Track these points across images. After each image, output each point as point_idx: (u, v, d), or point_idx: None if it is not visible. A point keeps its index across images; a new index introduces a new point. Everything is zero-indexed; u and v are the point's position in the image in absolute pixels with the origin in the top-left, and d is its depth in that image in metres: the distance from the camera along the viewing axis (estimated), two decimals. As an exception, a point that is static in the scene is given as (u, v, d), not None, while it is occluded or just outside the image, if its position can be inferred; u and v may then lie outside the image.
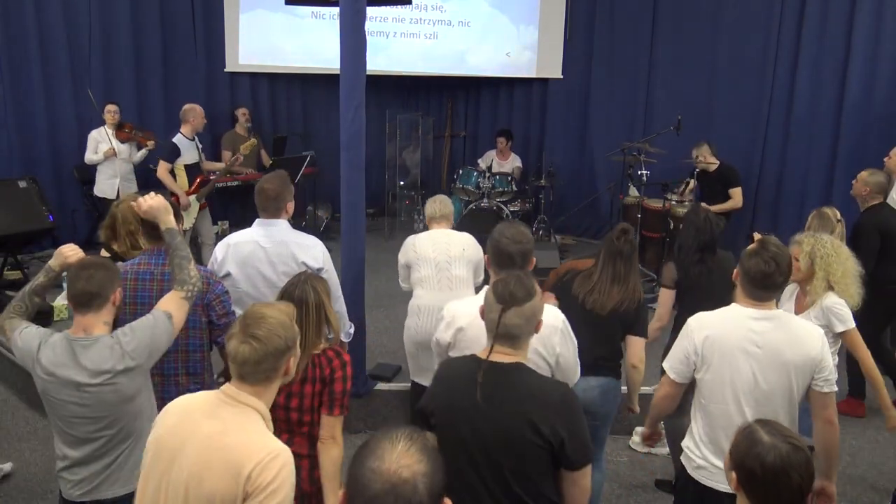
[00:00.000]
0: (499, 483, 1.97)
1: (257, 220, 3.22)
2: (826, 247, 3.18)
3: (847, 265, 3.21)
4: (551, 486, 2.03)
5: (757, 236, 3.20)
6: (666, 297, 3.72)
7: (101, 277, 2.28)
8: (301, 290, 2.41)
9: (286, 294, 2.43)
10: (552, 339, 2.41)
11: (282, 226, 3.21)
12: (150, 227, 2.70)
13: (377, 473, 1.29)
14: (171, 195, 5.95)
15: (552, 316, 2.42)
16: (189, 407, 1.85)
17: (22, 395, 4.57)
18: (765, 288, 2.42)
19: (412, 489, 1.28)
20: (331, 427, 2.43)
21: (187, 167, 6.02)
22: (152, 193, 2.67)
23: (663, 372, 2.68)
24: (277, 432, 2.34)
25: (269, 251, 3.16)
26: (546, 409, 1.96)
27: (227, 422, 1.77)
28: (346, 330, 3.47)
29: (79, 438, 2.30)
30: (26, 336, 2.33)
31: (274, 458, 1.73)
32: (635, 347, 3.28)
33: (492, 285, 2.11)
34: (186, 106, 6.22)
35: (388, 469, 1.30)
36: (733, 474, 1.75)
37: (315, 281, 2.47)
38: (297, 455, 2.37)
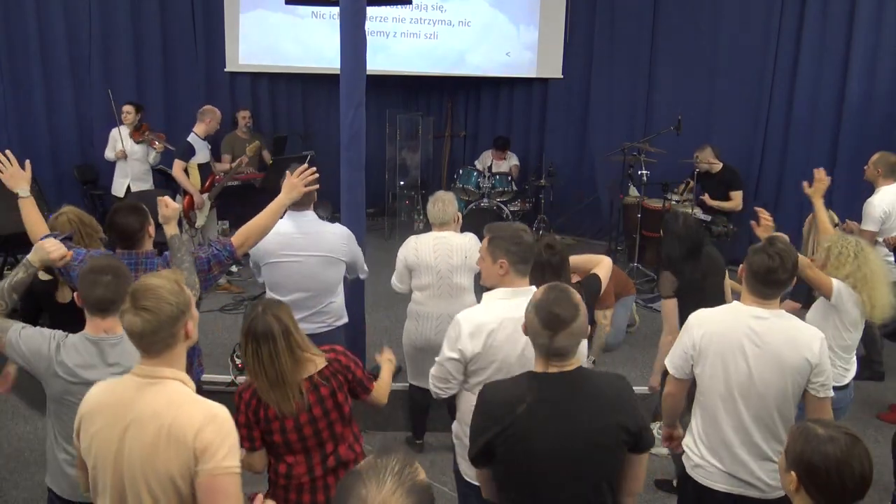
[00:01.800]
0: (584, 492, 1.97)
1: (287, 213, 3.35)
2: (848, 247, 3.16)
3: (874, 267, 3.15)
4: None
5: (761, 212, 3.23)
6: (670, 307, 3.66)
7: (119, 282, 2.24)
8: (263, 323, 2.25)
9: (250, 331, 2.26)
10: None
11: (310, 216, 3.42)
12: (119, 236, 2.76)
13: None
14: (184, 194, 6.04)
15: None
16: (111, 400, 1.84)
17: (22, 395, 4.57)
18: (768, 284, 2.42)
19: None
20: (375, 397, 2.56)
21: (200, 167, 6.13)
22: (170, 203, 2.80)
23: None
24: (327, 450, 2.38)
25: (303, 240, 3.37)
26: (624, 406, 1.99)
27: (155, 402, 1.79)
28: (364, 270, 3.77)
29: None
30: (30, 338, 2.28)
31: (213, 419, 1.78)
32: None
33: (534, 307, 1.99)
34: (206, 107, 6.40)
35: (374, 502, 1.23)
36: (792, 475, 1.71)
37: (275, 309, 2.31)
38: (346, 463, 2.41)
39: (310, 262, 3.40)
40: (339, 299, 3.59)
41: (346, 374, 2.41)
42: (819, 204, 3.58)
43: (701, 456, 2.51)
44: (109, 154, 6.60)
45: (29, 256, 2.50)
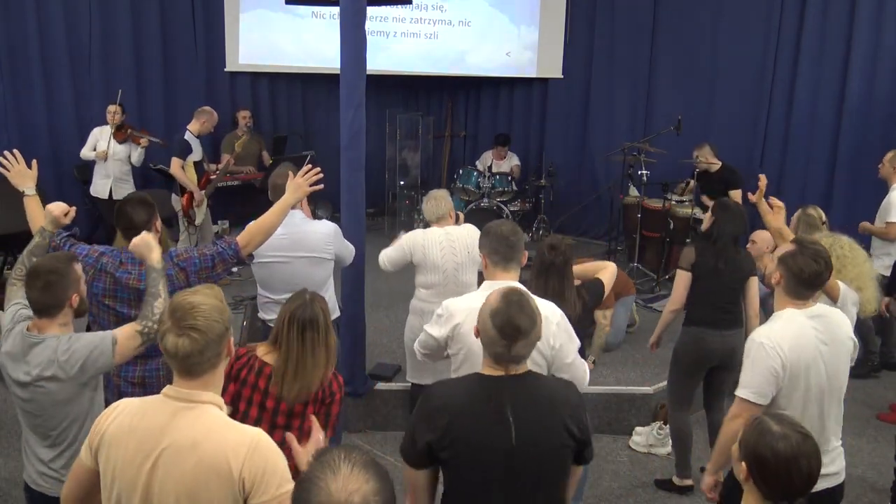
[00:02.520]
0: (529, 495, 1.95)
1: None
2: (844, 247, 3.22)
3: (863, 268, 3.22)
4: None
5: (773, 200, 3.24)
6: (682, 279, 3.68)
7: (56, 287, 2.26)
8: (312, 311, 2.36)
9: (295, 315, 2.35)
10: (548, 328, 2.38)
11: (297, 216, 3.39)
12: (125, 227, 2.76)
13: (327, 494, 1.22)
14: (182, 191, 6.05)
15: (549, 311, 2.43)
16: (142, 425, 1.72)
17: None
18: (814, 286, 2.46)
19: None
20: (313, 444, 2.45)
21: (195, 164, 6.18)
22: (143, 234, 2.59)
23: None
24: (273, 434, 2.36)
25: (288, 240, 3.33)
26: (571, 409, 1.98)
27: (193, 430, 1.68)
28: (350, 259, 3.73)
29: (30, 429, 2.36)
30: (8, 313, 2.39)
31: (255, 448, 1.67)
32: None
33: (489, 314, 1.94)
34: (205, 107, 6.42)
35: (337, 501, 1.22)
36: (743, 465, 1.77)
37: (322, 302, 2.43)
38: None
39: (296, 262, 3.40)
40: (329, 295, 3.56)
41: (326, 397, 2.44)
42: (764, 209, 3.51)
43: None
44: (88, 153, 6.50)
45: (43, 223, 2.67)
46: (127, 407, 1.78)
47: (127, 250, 2.74)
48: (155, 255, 2.51)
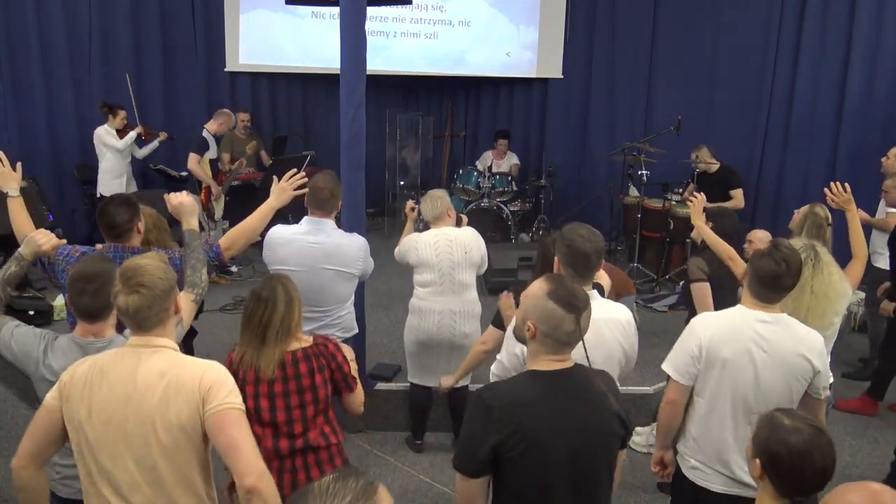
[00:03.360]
0: (592, 488, 1.96)
1: (306, 218, 3.32)
2: (809, 257, 2.95)
3: (828, 282, 2.93)
4: None
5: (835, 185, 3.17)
6: (704, 290, 3.60)
7: (107, 288, 2.21)
8: (270, 288, 2.45)
9: (256, 292, 2.47)
10: (629, 330, 2.45)
11: (328, 225, 3.32)
12: (107, 227, 2.73)
13: None
14: (200, 187, 6.11)
15: (628, 312, 2.49)
16: (113, 369, 1.91)
17: (22, 395, 4.57)
18: (773, 289, 2.41)
19: None
20: (351, 403, 2.58)
21: (210, 162, 6.37)
22: (184, 192, 2.76)
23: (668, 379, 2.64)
24: (294, 431, 2.42)
25: (318, 251, 3.26)
26: (616, 397, 2.00)
27: (158, 365, 1.90)
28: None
29: None
30: (22, 336, 2.30)
31: (211, 367, 1.93)
32: None
33: (549, 296, 1.91)
34: (225, 110, 6.61)
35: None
36: (757, 462, 1.76)
37: (285, 281, 2.50)
38: (315, 448, 2.45)
39: (324, 274, 3.28)
40: (349, 312, 3.50)
41: (331, 362, 2.48)
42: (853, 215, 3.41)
43: (697, 458, 2.51)
44: (117, 143, 6.43)
45: (20, 250, 2.51)
46: (94, 358, 1.99)
47: (107, 250, 2.73)
48: (194, 221, 2.66)
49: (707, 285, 3.60)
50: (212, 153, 6.42)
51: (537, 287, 1.98)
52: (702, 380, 2.48)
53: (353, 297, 3.51)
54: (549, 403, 1.89)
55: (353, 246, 3.37)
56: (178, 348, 2.00)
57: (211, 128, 6.42)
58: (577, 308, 1.90)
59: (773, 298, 2.43)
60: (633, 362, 2.54)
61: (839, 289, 2.95)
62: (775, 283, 2.39)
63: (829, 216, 3.84)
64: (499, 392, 1.95)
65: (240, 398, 1.93)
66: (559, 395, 1.91)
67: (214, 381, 1.90)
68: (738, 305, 2.52)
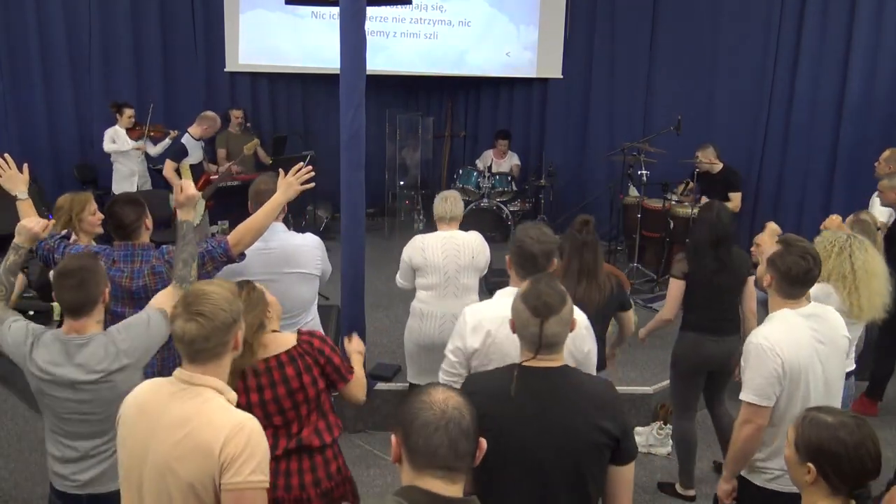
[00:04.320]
0: (558, 494, 1.93)
1: None
2: (835, 242, 3.06)
3: (860, 265, 3.02)
4: (602, 487, 2.01)
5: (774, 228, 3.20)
6: (676, 287, 3.61)
7: (90, 283, 2.27)
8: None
9: None
10: (580, 333, 2.38)
11: (279, 228, 3.23)
12: (116, 226, 2.75)
13: (428, 403, 1.50)
14: (169, 193, 6.05)
15: (579, 316, 2.42)
16: (144, 401, 1.84)
17: (22, 395, 4.57)
18: (804, 284, 2.45)
19: (460, 416, 1.50)
20: (350, 392, 2.48)
21: (191, 167, 6.19)
22: (190, 182, 2.74)
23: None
24: (291, 432, 2.38)
25: (275, 256, 3.17)
26: (604, 406, 1.96)
27: (186, 408, 1.76)
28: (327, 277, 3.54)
29: (77, 434, 2.31)
30: (15, 331, 2.33)
31: (240, 430, 1.73)
32: (629, 320, 3.36)
33: (521, 297, 2.00)
34: (208, 113, 6.48)
35: (437, 400, 1.51)
36: (809, 465, 1.73)
37: (248, 289, 2.40)
38: (310, 449, 2.39)
39: (285, 279, 3.17)
40: (314, 317, 3.42)
41: (319, 358, 2.39)
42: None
43: (778, 467, 2.44)
44: (111, 145, 6.53)
45: (15, 240, 2.55)
46: (143, 386, 1.90)
47: (118, 249, 2.77)
48: (192, 214, 2.64)
49: (681, 283, 3.59)
50: (194, 158, 6.25)
51: (521, 287, 2.05)
52: (788, 392, 2.42)
53: (315, 300, 3.43)
54: (522, 396, 1.91)
55: (310, 245, 3.29)
56: (225, 390, 1.84)
57: (195, 132, 6.30)
58: (541, 313, 1.92)
59: (803, 293, 2.48)
60: (591, 361, 2.46)
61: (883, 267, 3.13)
62: (807, 277, 2.43)
63: (877, 220, 3.82)
64: (479, 379, 2.07)
65: (266, 472, 1.76)
66: (535, 392, 1.92)
67: (239, 452, 1.71)
68: (781, 310, 2.48)
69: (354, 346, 2.67)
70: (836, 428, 1.70)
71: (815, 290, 2.89)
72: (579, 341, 2.39)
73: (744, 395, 2.44)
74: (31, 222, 2.56)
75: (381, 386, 4.45)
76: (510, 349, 2.27)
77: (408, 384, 4.12)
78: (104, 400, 2.26)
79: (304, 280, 3.26)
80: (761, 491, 2.51)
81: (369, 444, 4.25)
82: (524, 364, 1.97)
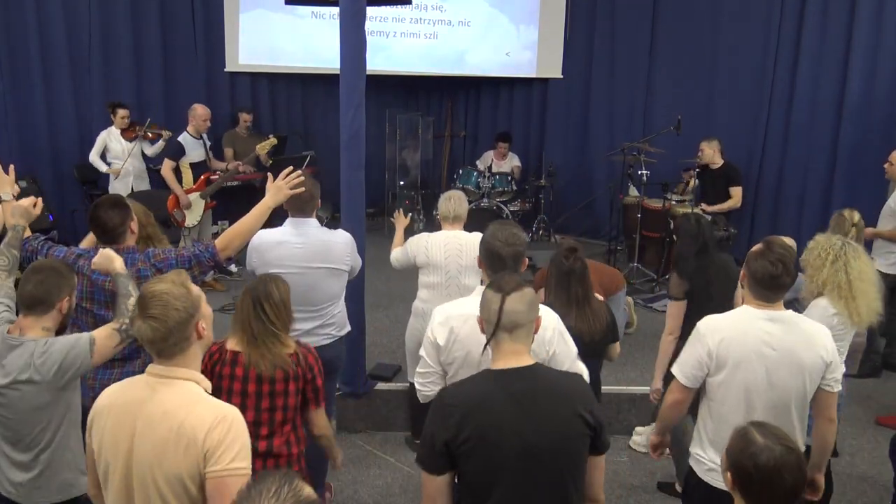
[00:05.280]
0: (549, 489, 1.94)
1: (290, 220, 3.31)
2: (829, 250, 2.99)
3: (855, 274, 2.95)
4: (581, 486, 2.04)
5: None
6: (676, 309, 3.59)
7: (52, 284, 2.28)
8: (265, 287, 2.53)
9: (250, 289, 2.54)
10: (544, 335, 2.36)
11: (312, 224, 3.31)
12: (101, 231, 2.74)
13: None
14: (169, 194, 6.05)
15: (547, 318, 2.41)
16: (122, 399, 1.85)
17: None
18: (772, 289, 2.40)
19: None
20: (320, 418, 2.63)
21: (193, 165, 6.19)
22: (102, 251, 2.58)
23: (670, 379, 2.63)
24: (259, 433, 2.44)
25: (305, 250, 3.25)
26: (582, 398, 1.98)
27: (166, 402, 1.79)
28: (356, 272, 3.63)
29: (2, 436, 2.31)
30: None
31: (222, 419, 1.77)
32: (614, 352, 3.35)
33: (486, 285, 2.07)
34: (195, 105, 6.44)
35: None
36: (728, 474, 1.79)
37: (279, 282, 2.59)
38: (277, 455, 2.49)
39: (314, 274, 3.25)
40: (342, 310, 3.49)
41: (307, 373, 2.52)
42: None
43: (712, 460, 2.47)
44: (98, 162, 6.60)
45: (8, 221, 2.63)
46: (113, 386, 1.92)
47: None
48: (117, 265, 2.50)
49: (681, 304, 3.56)
50: (194, 157, 6.22)
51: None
52: (711, 382, 2.46)
53: (343, 294, 3.50)
54: (500, 401, 1.91)
55: (340, 242, 3.37)
56: (200, 379, 1.88)
57: (191, 129, 6.28)
58: (502, 289, 1.97)
59: (774, 297, 2.43)
60: (558, 362, 2.42)
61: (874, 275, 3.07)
62: (773, 283, 2.38)
63: (856, 218, 3.78)
64: (454, 391, 2.02)
65: (248, 460, 1.80)
66: (511, 394, 1.92)
67: (222, 439, 1.74)
68: (743, 306, 2.50)
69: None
70: (760, 450, 1.72)
71: (817, 313, 2.91)
72: (545, 344, 2.38)
73: (673, 367, 2.56)
74: (23, 201, 2.65)
75: (381, 386, 4.45)
76: (472, 346, 2.30)
77: (408, 384, 4.13)
78: (16, 408, 2.23)
79: (332, 275, 3.34)
80: (700, 483, 2.54)
81: (369, 444, 4.25)
82: (496, 369, 1.98)
